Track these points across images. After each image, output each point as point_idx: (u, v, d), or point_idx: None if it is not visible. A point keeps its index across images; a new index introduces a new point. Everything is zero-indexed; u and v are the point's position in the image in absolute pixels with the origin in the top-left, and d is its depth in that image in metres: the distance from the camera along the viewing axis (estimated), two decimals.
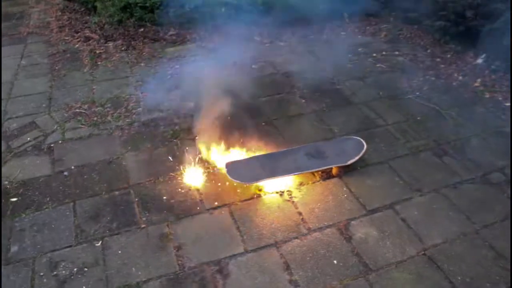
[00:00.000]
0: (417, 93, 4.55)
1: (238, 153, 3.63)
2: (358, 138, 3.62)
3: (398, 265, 2.78)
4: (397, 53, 5.36)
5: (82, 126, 4.13)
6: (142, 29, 6.03)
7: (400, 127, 4.04)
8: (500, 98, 4.49)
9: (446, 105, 4.35)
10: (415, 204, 3.24)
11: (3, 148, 3.90)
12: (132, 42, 5.76)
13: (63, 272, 2.78)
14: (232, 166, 3.37)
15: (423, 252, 2.86)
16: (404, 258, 2.83)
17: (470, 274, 2.71)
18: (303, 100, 4.45)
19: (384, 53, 5.38)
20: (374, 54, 5.34)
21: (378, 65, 5.09)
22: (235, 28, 5.63)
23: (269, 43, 5.69)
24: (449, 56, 5.30)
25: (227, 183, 3.38)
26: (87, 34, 6.03)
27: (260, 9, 5.82)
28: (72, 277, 2.76)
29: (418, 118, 4.18)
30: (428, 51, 5.43)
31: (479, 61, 5.12)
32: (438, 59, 5.24)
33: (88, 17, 6.49)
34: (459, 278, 2.69)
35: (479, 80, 4.79)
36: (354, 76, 4.78)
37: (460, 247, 2.89)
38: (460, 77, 4.87)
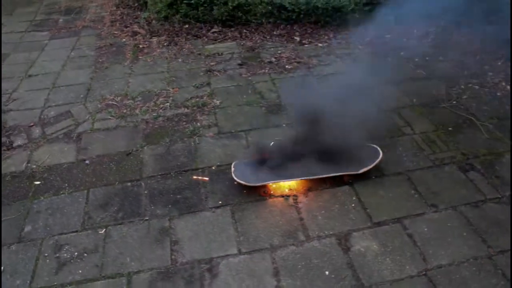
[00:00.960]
0: (454, 102, 4.25)
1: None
2: (374, 146, 3.45)
3: (393, 283, 2.63)
4: (441, 58, 5.04)
5: (111, 117, 4.31)
6: (186, 26, 6.16)
7: (428, 137, 3.81)
8: None
9: (484, 116, 4.04)
10: (427, 220, 3.04)
11: (39, 134, 4.15)
12: (175, 38, 5.91)
13: (65, 255, 2.92)
14: (239, 166, 3.36)
15: (424, 273, 2.68)
16: (402, 276, 2.66)
17: None
18: None
19: (427, 58, 5.08)
20: (416, 59, 5.06)
21: (418, 71, 4.82)
22: (275, 27, 5.59)
23: (308, 44, 5.58)
24: (499, 63, 4.90)
25: (235, 183, 3.36)
26: (135, 29, 6.27)
27: (302, 9, 5.73)
28: (72, 260, 2.88)
29: (450, 128, 3.91)
30: (477, 57, 5.06)
31: None
32: (487, 66, 4.86)
33: (139, 13, 6.75)
34: None
35: None
36: (389, 81, 4.56)
37: (467, 272, 2.67)
38: (508, 87, 4.49)
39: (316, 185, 3.33)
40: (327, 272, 2.70)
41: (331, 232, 2.97)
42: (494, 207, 3.12)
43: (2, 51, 5.90)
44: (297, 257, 2.81)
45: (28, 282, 2.75)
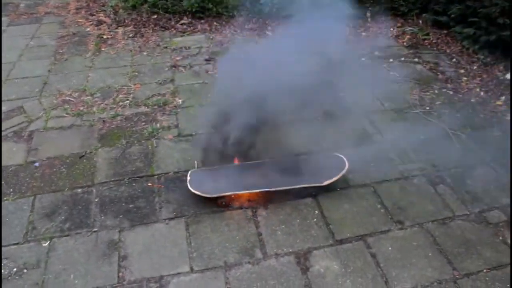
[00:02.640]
0: (427, 108, 4.11)
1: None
2: (341, 155, 3.28)
3: None
4: (416, 60, 4.89)
5: (67, 115, 4.04)
6: (155, 16, 5.88)
7: (398, 146, 3.65)
8: None
9: (457, 125, 3.90)
10: (391, 238, 2.89)
11: None
12: (142, 29, 5.62)
13: (3, 271, 2.68)
14: (196, 175, 3.14)
15: None
16: None
17: None
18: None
19: (402, 59, 4.93)
20: (391, 60, 4.90)
21: (391, 73, 4.66)
22: (247, 21, 5.35)
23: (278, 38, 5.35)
24: (475, 67, 4.79)
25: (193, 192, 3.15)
26: (101, 17, 5.96)
27: (276, 2, 5.49)
28: (9, 277, 2.65)
29: (421, 137, 3.76)
30: (453, 60, 4.93)
31: (508, 76, 4.58)
32: (462, 71, 4.75)
33: (106, 0, 6.40)
34: None
35: (503, 98, 4.29)
36: (361, 83, 4.38)
37: None
38: (482, 93, 4.37)
39: (277, 197, 3.14)
40: None
41: (290, 250, 2.79)
42: (462, 224, 2.99)
43: None
44: (253, 277, 2.63)
45: None
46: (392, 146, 3.61)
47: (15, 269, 2.69)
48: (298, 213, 3.05)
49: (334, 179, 3.11)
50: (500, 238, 2.89)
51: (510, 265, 2.68)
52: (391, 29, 5.59)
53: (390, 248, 2.81)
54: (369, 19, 5.66)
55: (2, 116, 4.05)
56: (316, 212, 3.05)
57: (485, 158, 3.53)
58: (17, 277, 2.65)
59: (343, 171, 3.15)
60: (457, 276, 2.65)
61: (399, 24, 5.69)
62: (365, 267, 2.69)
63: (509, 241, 2.87)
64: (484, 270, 2.68)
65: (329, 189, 3.19)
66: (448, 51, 5.11)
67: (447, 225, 2.98)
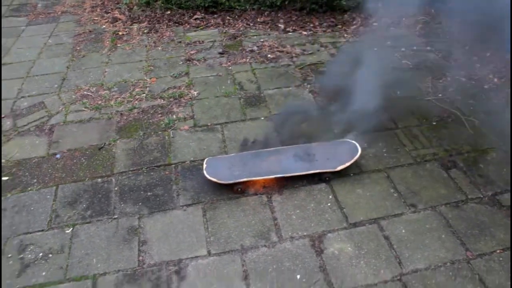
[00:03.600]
0: (440, 95, 4.12)
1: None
2: (353, 142, 3.33)
3: None
4: (429, 48, 4.90)
5: (85, 109, 4.15)
6: (168, 12, 5.97)
7: (410, 132, 3.69)
8: None
9: (470, 110, 3.92)
10: (405, 221, 2.93)
11: (10, 126, 3.99)
12: (156, 25, 5.72)
13: (29, 256, 2.81)
14: (212, 163, 3.23)
15: (398, 278, 2.58)
16: (376, 281, 2.57)
17: None
18: (313, 96, 4.19)
19: (414, 48, 4.93)
20: (403, 49, 4.92)
21: (403, 61, 4.68)
22: (259, 14, 5.42)
23: (292, 32, 5.41)
24: (489, 54, 4.76)
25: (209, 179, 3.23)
26: (116, 15, 6.07)
27: None
28: (35, 262, 2.77)
29: (434, 123, 3.79)
30: (466, 48, 4.91)
31: None
32: (475, 57, 4.73)
33: None
34: None
35: None
36: (372, 72, 4.41)
37: (443, 277, 2.58)
38: (496, 79, 4.37)
39: (291, 183, 3.21)
40: (298, 276, 2.60)
41: (304, 233, 2.86)
42: (475, 207, 3.02)
43: None
44: (268, 260, 2.70)
45: None
46: (404, 132, 3.64)
47: (41, 254, 2.81)
48: (312, 198, 3.11)
49: (347, 164, 3.16)
50: None
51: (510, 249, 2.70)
52: (403, 18, 5.59)
53: (403, 231, 2.86)
54: (380, 9, 5.66)
55: (24, 112, 4.19)
56: (330, 197, 3.11)
57: (498, 143, 3.53)
58: (43, 261, 2.77)
59: (356, 157, 3.20)
60: (470, 257, 2.68)
61: (412, 14, 5.68)
62: (379, 249, 2.74)
63: None
64: (497, 251, 2.71)
65: (342, 174, 3.24)
66: (461, 38, 5.08)
67: (460, 208, 3.01)
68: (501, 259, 2.66)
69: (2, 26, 6.04)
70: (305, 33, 5.37)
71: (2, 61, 5.11)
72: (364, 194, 3.13)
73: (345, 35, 5.32)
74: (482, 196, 3.09)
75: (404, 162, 3.40)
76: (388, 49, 4.91)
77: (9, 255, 2.81)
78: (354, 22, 5.58)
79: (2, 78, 4.76)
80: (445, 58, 4.73)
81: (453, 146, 3.53)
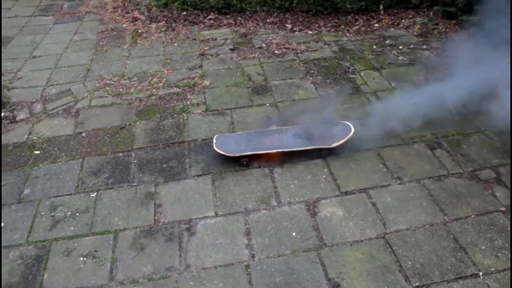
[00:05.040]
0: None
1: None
2: (347, 122, 3.71)
3: (353, 244, 2.89)
4: (425, 47, 5.26)
5: (108, 95, 4.60)
6: (184, 13, 6.43)
7: (401, 117, 4.03)
8: None
9: (458, 100, 4.25)
10: (391, 191, 3.30)
11: (40, 109, 4.45)
12: (173, 24, 6.18)
13: (59, 214, 3.22)
14: (220, 139, 3.63)
15: (382, 236, 2.94)
16: (362, 238, 2.93)
17: (422, 261, 2.76)
18: (314, 86, 4.58)
19: (411, 46, 5.30)
20: (401, 47, 5.29)
21: (400, 58, 5.05)
22: (269, 15, 5.85)
23: (298, 31, 5.82)
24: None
25: (218, 154, 3.62)
26: (136, 15, 6.55)
27: None
28: (65, 219, 3.18)
29: (423, 110, 4.13)
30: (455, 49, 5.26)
31: None
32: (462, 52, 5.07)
33: (140, 0, 7.01)
34: (410, 263, 2.75)
35: None
36: (372, 67, 4.80)
37: (421, 236, 2.93)
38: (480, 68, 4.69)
39: (291, 158, 3.59)
40: (294, 233, 2.98)
41: (301, 199, 3.23)
42: (455, 181, 3.36)
43: (8, 34, 6.20)
44: (268, 220, 3.08)
45: (26, 236, 3.05)
46: (396, 118, 4.00)
47: (69, 213, 3.23)
48: (309, 171, 3.49)
49: (342, 141, 3.53)
50: (489, 191, 3.25)
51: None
52: (403, 20, 5.97)
53: (389, 199, 3.22)
54: (381, 11, 6.05)
55: (53, 97, 4.64)
56: (325, 170, 3.49)
57: (481, 127, 3.88)
58: (71, 219, 3.18)
59: (349, 135, 3.57)
60: (447, 220, 3.03)
61: (410, 16, 6.06)
62: (366, 213, 3.11)
63: (497, 194, 3.22)
64: (472, 216, 3.06)
65: (337, 152, 3.62)
66: (456, 38, 5.44)
67: (442, 181, 3.36)
68: (474, 222, 3.00)
69: (31, 24, 6.55)
70: (310, 32, 5.78)
71: (33, 54, 5.59)
72: (356, 168, 3.50)
73: (348, 35, 5.71)
74: (462, 172, 3.44)
75: (394, 143, 3.76)
76: (386, 46, 5.28)
77: (42, 213, 3.23)
78: (357, 23, 5.97)
79: (33, 68, 5.23)
80: (439, 56, 5.08)
81: (439, 130, 3.88)
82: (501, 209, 3.11)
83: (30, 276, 2.78)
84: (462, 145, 3.71)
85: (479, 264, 2.72)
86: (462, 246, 2.84)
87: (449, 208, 3.13)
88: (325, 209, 3.15)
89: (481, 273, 2.67)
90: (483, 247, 2.83)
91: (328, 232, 2.98)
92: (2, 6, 7.23)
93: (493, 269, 2.69)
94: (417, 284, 2.62)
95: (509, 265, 2.70)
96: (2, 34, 6.19)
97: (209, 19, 6.25)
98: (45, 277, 2.77)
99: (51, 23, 6.63)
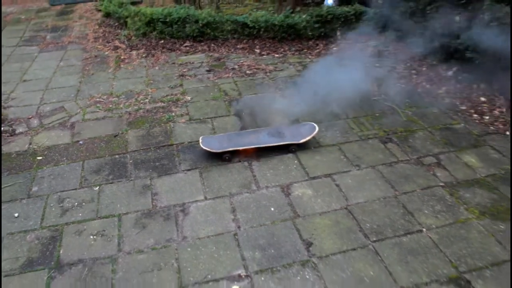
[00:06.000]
0: (383, 96, 5.26)
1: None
2: (312, 123, 4.39)
3: (322, 214, 3.50)
4: (377, 65, 6.09)
5: (99, 110, 5.13)
6: (162, 41, 7.08)
7: (358, 120, 4.77)
8: (457, 103, 5.12)
9: (405, 106, 5.04)
10: (351, 175, 3.95)
11: (37, 124, 4.92)
12: (152, 51, 6.81)
13: (67, 205, 3.69)
14: (206, 139, 4.22)
15: (345, 207, 3.57)
16: (328, 210, 3.54)
17: (377, 223, 3.39)
18: (283, 98, 5.27)
19: (366, 65, 6.11)
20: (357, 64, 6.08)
21: (357, 73, 5.82)
22: (239, 41, 6.60)
23: (266, 55, 6.57)
24: (424, 68, 5.98)
25: (204, 153, 4.20)
26: (117, 44, 7.16)
27: (262, 26, 6.76)
28: (73, 208, 3.65)
29: (376, 114, 4.89)
30: (408, 64, 6.13)
31: (450, 73, 5.77)
32: (413, 71, 5.93)
33: (119, 31, 7.65)
34: (368, 225, 3.38)
35: (444, 88, 5.45)
36: (332, 81, 5.53)
37: (377, 206, 3.58)
38: (428, 86, 5.54)
39: (266, 154, 4.21)
40: (272, 209, 3.56)
41: (277, 184, 3.84)
42: (403, 166, 4.06)
43: None
44: (250, 200, 3.66)
45: (39, 223, 3.50)
46: (354, 121, 4.72)
47: (76, 203, 3.70)
48: (282, 163, 4.11)
49: (308, 138, 4.19)
50: (431, 172, 3.95)
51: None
52: (357, 44, 6.83)
53: (349, 181, 3.87)
54: (339, 37, 6.91)
55: (48, 114, 5.13)
56: (296, 161, 4.12)
57: (424, 126, 4.64)
58: (78, 208, 3.66)
59: (314, 133, 4.24)
60: (397, 194, 3.70)
61: (364, 40, 6.93)
62: (331, 192, 3.74)
63: (438, 174, 3.93)
64: (417, 190, 3.74)
65: (305, 147, 4.27)
66: (403, 58, 6.30)
67: (393, 166, 4.05)
68: (419, 194, 3.68)
69: (17, 53, 7.04)
70: (277, 55, 6.54)
71: (23, 78, 6.07)
72: (321, 159, 4.15)
73: (310, 57, 6.50)
74: (409, 159, 4.15)
75: (352, 140, 4.45)
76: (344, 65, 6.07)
77: (51, 205, 3.69)
78: (317, 47, 6.79)
79: (26, 90, 5.71)
80: (389, 71, 5.90)
81: (390, 129, 4.61)
82: (441, 184, 3.80)
83: (48, 252, 3.23)
84: (409, 139, 4.44)
85: (423, 223, 3.38)
86: (409, 211, 3.50)
87: (398, 185, 3.80)
88: (297, 190, 3.76)
89: (424, 229, 3.32)
90: (426, 211, 3.49)
91: (301, 206, 3.58)
92: None
93: (433, 226, 3.35)
94: (374, 239, 3.24)
95: (446, 222, 3.37)
96: None
97: (185, 46, 6.93)
98: (61, 252, 3.22)
99: (36, 52, 7.14)
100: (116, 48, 7.02)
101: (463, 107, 5.05)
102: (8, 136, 4.72)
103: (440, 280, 2.93)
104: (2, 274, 3.06)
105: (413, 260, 3.07)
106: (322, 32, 6.96)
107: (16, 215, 3.58)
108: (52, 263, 3.14)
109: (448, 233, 3.29)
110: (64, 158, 4.29)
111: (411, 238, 3.25)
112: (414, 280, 2.93)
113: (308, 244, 3.21)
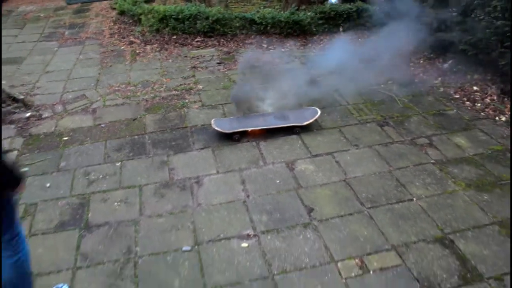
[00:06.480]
0: (382, 85, 5.64)
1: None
2: (315, 107, 4.78)
3: (322, 185, 3.89)
4: (376, 58, 6.46)
5: (118, 98, 5.55)
6: (174, 37, 7.50)
7: (357, 106, 5.15)
8: (451, 92, 5.49)
9: (402, 94, 5.42)
10: (350, 153, 4.33)
11: (61, 109, 5.35)
12: (165, 46, 7.23)
13: (93, 177, 4.10)
14: (218, 121, 4.63)
15: (344, 180, 3.95)
16: (328, 182, 3.92)
17: (372, 193, 3.77)
18: None
19: (367, 56, 6.50)
20: (360, 57, 6.47)
21: (359, 64, 6.20)
22: (247, 37, 7.01)
23: (273, 49, 6.97)
24: (421, 61, 6.36)
25: (215, 134, 4.60)
26: (131, 39, 7.59)
27: (269, 22, 7.17)
28: (98, 180, 4.06)
29: (375, 101, 5.27)
30: (406, 57, 6.50)
31: (445, 65, 6.14)
32: (411, 64, 6.31)
33: (133, 27, 8.08)
34: (364, 194, 3.76)
35: (440, 78, 5.82)
36: (333, 71, 5.92)
37: (372, 178, 3.96)
38: (424, 76, 5.91)
39: (272, 135, 4.59)
40: (277, 181, 3.95)
41: (282, 160, 4.23)
42: (398, 146, 4.43)
43: (20, 55, 7.13)
44: (258, 174, 4.05)
45: (69, 191, 3.91)
46: (353, 107, 5.10)
47: (100, 176, 4.11)
48: (287, 143, 4.50)
49: (311, 120, 4.58)
50: (423, 152, 4.33)
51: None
52: (359, 39, 7.22)
53: (348, 158, 4.25)
54: (341, 32, 7.31)
55: (71, 101, 5.56)
56: (299, 142, 4.51)
57: (419, 112, 5.01)
58: (103, 180, 4.06)
59: (317, 115, 4.63)
60: (391, 169, 4.07)
61: (365, 36, 7.33)
62: (331, 167, 4.12)
63: (429, 153, 4.30)
64: (410, 166, 4.11)
65: (308, 130, 4.65)
66: (402, 51, 6.67)
67: (388, 146, 4.43)
68: (411, 169, 4.05)
69: (39, 48, 7.50)
70: (282, 50, 6.94)
71: (46, 70, 6.52)
72: (323, 140, 4.53)
73: (314, 51, 6.90)
74: (403, 140, 4.52)
75: (351, 123, 4.83)
76: (347, 58, 6.46)
77: (79, 177, 4.10)
78: (321, 42, 7.18)
79: (49, 80, 6.15)
80: (387, 64, 6.28)
81: (387, 114, 4.99)
82: (432, 161, 4.17)
83: (77, 216, 3.63)
84: (404, 123, 4.81)
85: (414, 194, 3.75)
86: (402, 184, 3.88)
87: (393, 162, 4.18)
88: (300, 165, 4.15)
89: (414, 198, 3.70)
90: (417, 184, 3.87)
91: (303, 179, 3.97)
92: (9, 34, 8.16)
93: (423, 196, 3.72)
94: (369, 206, 3.62)
95: (434, 193, 3.75)
96: (14, 56, 7.10)
97: (197, 41, 7.35)
98: (89, 215, 3.63)
99: (56, 46, 7.58)
100: (131, 43, 7.45)
101: (457, 96, 5.41)
102: (36, 119, 5.14)
103: (427, 240, 3.30)
104: (39, 233, 3.47)
105: (404, 224, 3.44)
106: (326, 28, 7.35)
107: (47, 185, 3.99)
108: (82, 224, 3.54)
109: (436, 202, 3.66)
110: (88, 139, 4.70)
111: (402, 206, 3.62)
112: (404, 239, 3.30)
113: (310, 210, 3.59)
